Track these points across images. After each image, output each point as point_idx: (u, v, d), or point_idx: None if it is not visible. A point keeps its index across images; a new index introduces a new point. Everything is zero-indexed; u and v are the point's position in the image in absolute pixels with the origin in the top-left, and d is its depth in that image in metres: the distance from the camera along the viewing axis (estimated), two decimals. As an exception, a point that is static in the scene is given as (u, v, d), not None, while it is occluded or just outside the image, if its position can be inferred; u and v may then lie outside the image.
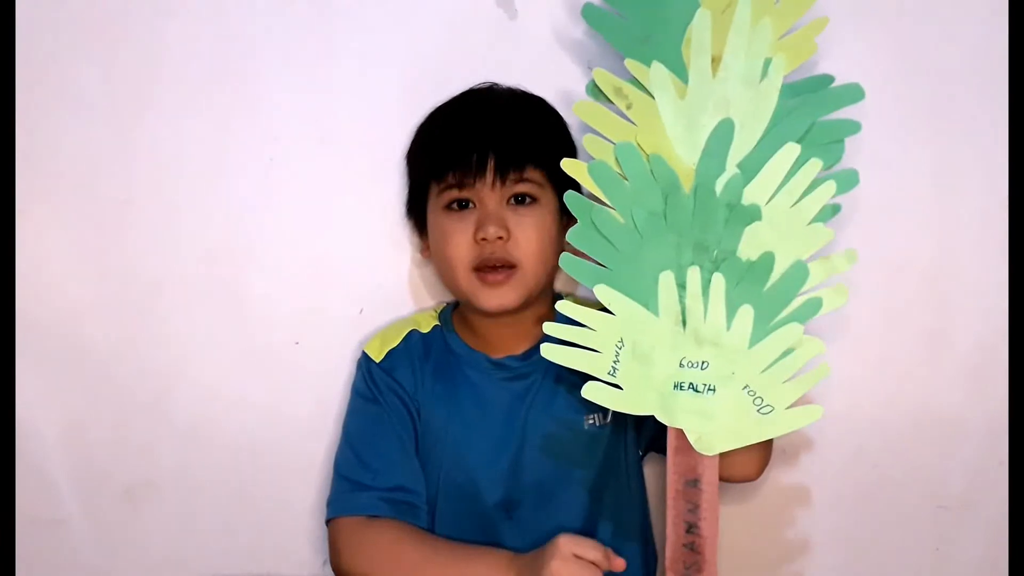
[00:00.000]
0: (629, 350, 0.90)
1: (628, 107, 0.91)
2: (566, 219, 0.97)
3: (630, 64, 0.91)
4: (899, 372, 1.09)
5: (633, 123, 0.91)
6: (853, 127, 0.90)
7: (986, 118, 1.03)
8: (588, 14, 0.93)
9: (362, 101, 1.06)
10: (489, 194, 0.94)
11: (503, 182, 0.94)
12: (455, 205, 0.96)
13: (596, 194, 0.91)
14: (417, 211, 1.03)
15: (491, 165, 0.93)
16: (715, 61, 0.89)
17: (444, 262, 0.97)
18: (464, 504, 0.99)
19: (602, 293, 0.90)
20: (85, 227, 1.06)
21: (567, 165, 0.91)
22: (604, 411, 0.99)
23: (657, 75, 0.90)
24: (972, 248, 1.06)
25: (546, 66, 1.04)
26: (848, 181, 0.89)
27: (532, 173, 0.95)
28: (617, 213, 0.90)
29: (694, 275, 0.89)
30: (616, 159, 0.90)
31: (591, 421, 1.00)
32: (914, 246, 1.07)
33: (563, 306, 0.92)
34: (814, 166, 0.87)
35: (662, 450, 0.94)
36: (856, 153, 0.92)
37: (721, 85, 0.89)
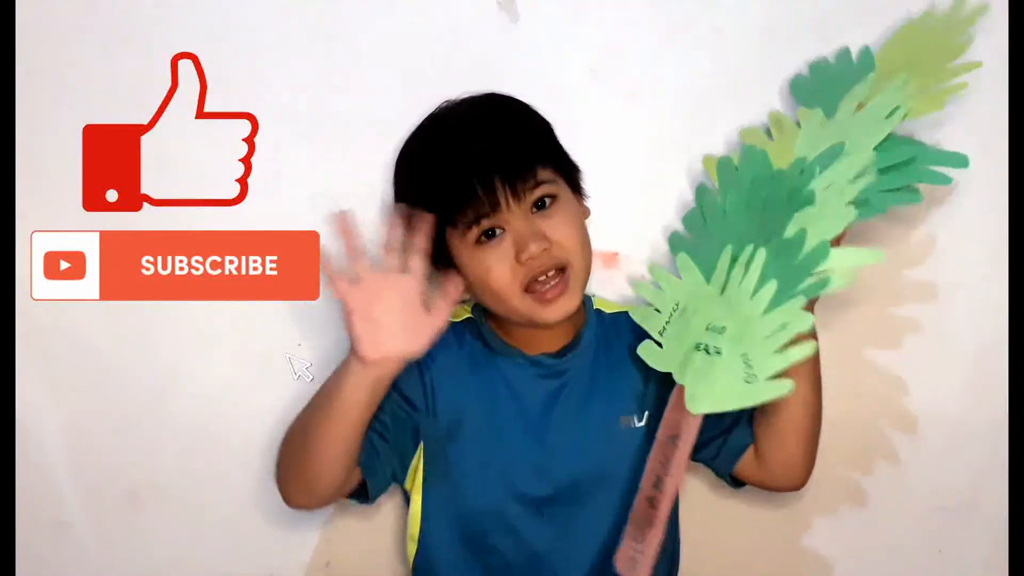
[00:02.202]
0: (679, 313, 0.97)
1: (780, 133, 1.04)
2: (578, 197, 1.00)
3: (800, 112, 1.03)
4: (899, 372, 1.10)
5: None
6: (943, 179, 0.94)
7: (986, 117, 1.03)
8: (794, 84, 1.07)
9: (365, 104, 1.05)
10: (512, 214, 0.92)
11: (518, 198, 0.92)
12: (483, 238, 0.94)
13: (715, 183, 1.03)
14: (439, 256, 0.96)
15: (501, 189, 0.91)
16: (860, 107, 0.97)
17: (491, 293, 0.95)
18: (493, 497, 0.98)
19: (681, 261, 1.00)
20: (85, 227, 1.04)
21: (706, 162, 1.06)
22: (640, 413, 1.00)
23: (814, 114, 1.00)
24: (972, 248, 1.06)
25: (548, 69, 1.06)
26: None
27: (542, 173, 0.94)
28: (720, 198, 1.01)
29: (747, 250, 0.93)
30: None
31: (626, 423, 1.00)
32: (914, 246, 1.08)
33: (652, 268, 1.04)
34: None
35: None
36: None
37: (853, 120, 0.97)
